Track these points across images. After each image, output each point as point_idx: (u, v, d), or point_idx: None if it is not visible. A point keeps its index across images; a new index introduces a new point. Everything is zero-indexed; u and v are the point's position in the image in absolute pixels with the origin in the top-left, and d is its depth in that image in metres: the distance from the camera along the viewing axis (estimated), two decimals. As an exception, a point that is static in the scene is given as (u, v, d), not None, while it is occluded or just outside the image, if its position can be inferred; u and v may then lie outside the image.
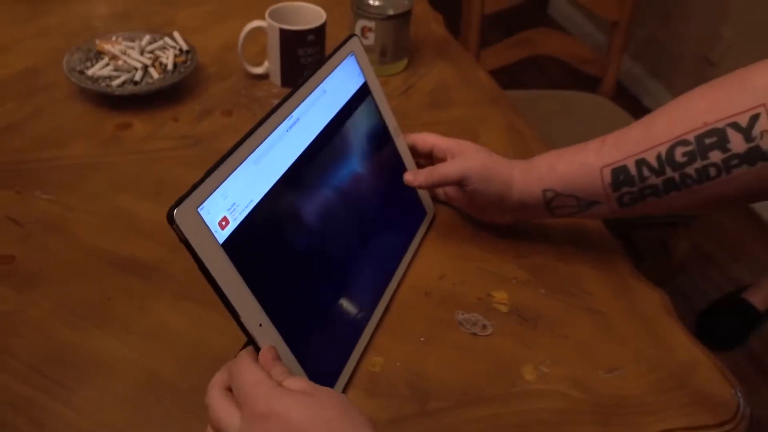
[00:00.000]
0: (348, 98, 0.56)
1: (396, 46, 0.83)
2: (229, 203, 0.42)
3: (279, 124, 0.47)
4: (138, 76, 0.74)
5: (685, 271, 1.66)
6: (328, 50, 0.84)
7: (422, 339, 0.53)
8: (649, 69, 2.30)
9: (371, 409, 0.47)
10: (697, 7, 2.07)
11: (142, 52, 0.77)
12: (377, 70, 0.83)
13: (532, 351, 0.53)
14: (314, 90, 0.52)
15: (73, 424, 0.45)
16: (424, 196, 0.64)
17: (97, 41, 0.78)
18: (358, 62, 0.58)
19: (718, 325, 1.46)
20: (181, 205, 0.38)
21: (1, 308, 0.52)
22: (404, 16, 0.81)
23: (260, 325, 0.42)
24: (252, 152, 0.44)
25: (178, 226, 0.38)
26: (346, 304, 0.51)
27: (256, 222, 0.44)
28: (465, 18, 1.33)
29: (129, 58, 0.75)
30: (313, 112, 0.51)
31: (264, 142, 0.45)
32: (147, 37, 0.79)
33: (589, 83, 1.44)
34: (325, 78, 0.53)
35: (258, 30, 0.78)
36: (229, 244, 0.41)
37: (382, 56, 0.83)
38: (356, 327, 0.52)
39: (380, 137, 0.61)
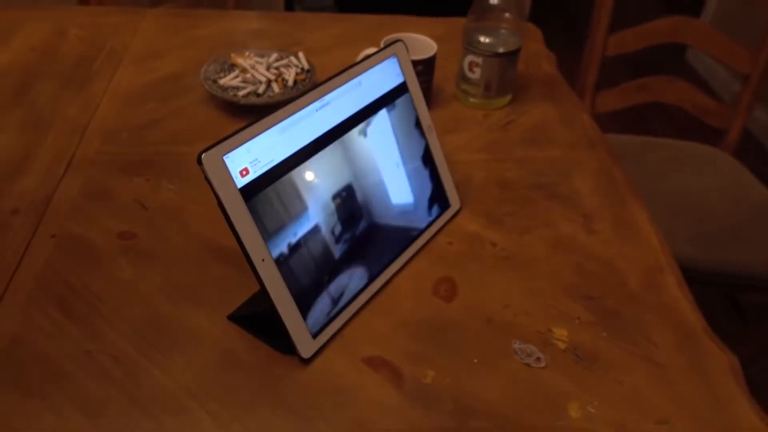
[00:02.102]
0: (383, 93, 0.63)
1: (501, 82, 0.87)
2: (251, 158, 0.50)
3: (310, 104, 0.55)
4: (261, 89, 0.82)
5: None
6: (437, 79, 0.90)
7: (475, 360, 0.56)
8: (789, 126, 2.16)
9: (415, 416, 0.51)
10: None
11: (268, 68, 0.86)
12: (481, 104, 0.88)
13: (582, 390, 0.54)
14: (350, 81, 0.59)
15: (160, 383, 0.52)
16: (450, 190, 0.70)
17: (232, 54, 0.88)
18: (399, 64, 0.65)
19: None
20: (209, 151, 0.47)
21: (119, 276, 0.61)
22: (511, 55, 0.85)
23: (263, 260, 0.51)
24: (280, 122, 0.52)
25: (204, 168, 0.46)
26: (345, 267, 0.58)
27: (272, 178, 0.52)
28: (585, 58, 1.34)
29: (256, 72, 0.84)
30: (345, 99, 0.59)
31: (293, 116, 0.53)
32: (275, 55, 0.88)
33: (716, 136, 1.39)
34: (362, 72, 0.60)
35: (374, 57, 0.85)
36: (246, 190, 0.50)
37: (486, 90, 0.87)
38: (351, 291, 0.58)
39: (411, 130, 0.66)
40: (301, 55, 0.89)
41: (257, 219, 0.51)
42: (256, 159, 0.51)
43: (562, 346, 0.58)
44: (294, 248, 0.54)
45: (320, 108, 0.57)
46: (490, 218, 0.71)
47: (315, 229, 0.56)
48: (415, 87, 0.67)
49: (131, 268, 0.62)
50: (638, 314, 0.61)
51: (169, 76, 0.92)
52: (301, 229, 0.55)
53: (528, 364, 0.56)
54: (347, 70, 0.59)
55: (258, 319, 0.57)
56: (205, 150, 0.47)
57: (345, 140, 0.59)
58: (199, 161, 0.47)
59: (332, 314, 0.57)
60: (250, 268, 0.51)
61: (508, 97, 0.90)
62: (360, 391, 0.53)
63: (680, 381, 0.55)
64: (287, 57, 0.88)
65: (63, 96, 0.86)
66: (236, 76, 0.84)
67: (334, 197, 0.58)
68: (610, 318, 0.61)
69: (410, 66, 0.66)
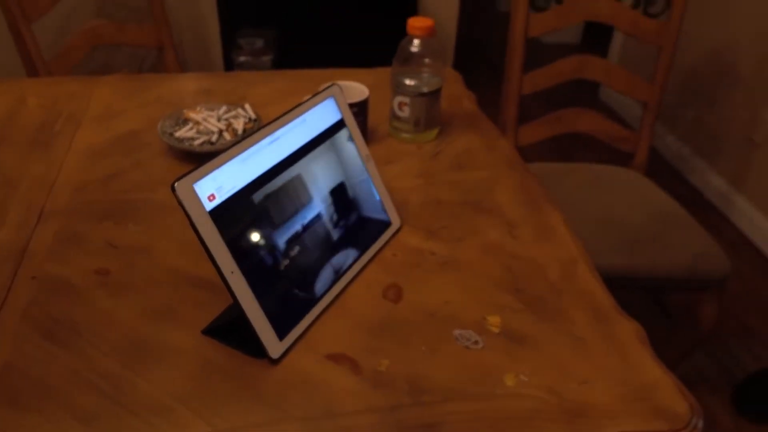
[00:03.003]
0: (324, 128, 0.73)
1: (427, 118, 0.98)
2: (217, 185, 0.59)
3: (262, 139, 0.65)
4: (214, 138, 0.91)
5: (725, 341, 1.69)
6: (374, 119, 1.01)
7: (423, 348, 0.64)
8: (695, 149, 2.38)
9: (375, 398, 0.59)
10: (740, 91, 2.15)
11: (219, 119, 0.95)
12: (412, 138, 0.99)
13: (515, 364, 0.63)
14: (295, 118, 0.69)
15: (145, 391, 0.59)
16: (390, 210, 0.80)
17: (185, 110, 0.97)
18: (336, 103, 0.76)
19: (755, 397, 1.47)
20: (181, 180, 0.56)
21: (99, 306, 0.67)
22: (434, 94, 0.97)
23: (232, 272, 0.59)
24: (239, 154, 0.62)
25: (177, 194, 0.55)
26: (299, 280, 0.67)
27: (235, 201, 0.61)
28: (503, 96, 1.48)
29: (208, 123, 0.93)
30: (293, 134, 0.69)
31: (250, 149, 0.63)
32: (224, 108, 0.98)
33: (628, 158, 1.54)
34: (305, 111, 0.71)
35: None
36: (214, 212, 0.59)
37: (416, 126, 0.98)
38: (309, 301, 0.67)
39: (351, 158, 0.77)
40: (247, 106, 0.99)
41: (225, 236, 0.59)
42: (221, 186, 0.60)
43: (495, 330, 0.67)
44: (257, 261, 0.62)
45: (272, 142, 0.66)
46: (427, 232, 0.81)
47: (273, 244, 0.64)
48: (351, 123, 0.77)
49: (109, 299, 0.69)
50: (559, 299, 0.71)
51: (127, 133, 1.00)
52: (261, 245, 0.63)
53: (467, 347, 0.65)
54: (292, 110, 0.69)
55: (230, 330, 0.64)
56: (178, 179, 0.56)
57: (297, 168, 0.68)
58: (173, 188, 0.55)
59: (295, 319, 0.65)
60: (222, 280, 0.59)
61: (436, 131, 1.02)
62: (325, 382, 0.60)
63: (596, 348, 0.65)
64: (235, 109, 0.98)
65: (28, 156, 0.92)
66: (190, 128, 0.93)
67: (292, 216, 0.66)
68: (536, 304, 0.70)
69: (346, 105, 0.76)
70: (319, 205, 0.70)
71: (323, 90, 0.74)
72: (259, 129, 0.65)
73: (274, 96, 1.12)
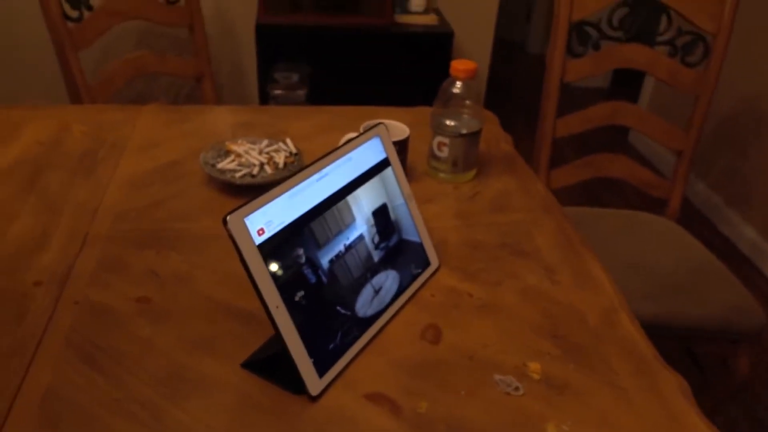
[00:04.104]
0: (369, 166, 0.74)
1: (466, 159, 0.99)
2: (266, 219, 0.60)
3: (311, 175, 0.66)
4: (255, 171, 0.92)
5: (758, 393, 1.64)
6: (410, 158, 1.02)
7: (463, 392, 0.64)
8: (725, 198, 2.35)
9: (415, 440, 0.58)
10: (773, 141, 2.14)
11: (260, 153, 0.96)
12: (450, 178, 1.00)
13: (556, 412, 0.62)
14: (342, 156, 0.70)
15: (183, 422, 0.58)
16: (429, 250, 0.79)
17: (227, 142, 0.99)
18: (382, 143, 0.76)
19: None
20: (232, 214, 0.57)
21: (139, 334, 0.68)
22: (474, 135, 0.97)
23: (277, 307, 0.59)
24: (289, 189, 0.63)
25: (228, 228, 0.56)
26: (341, 317, 0.66)
27: (284, 236, 0.62)
28: (538, 139, 1.49)
29: (250, 156, 0.95)
30: (340, 172, 0.70)
31: (298, 185, 0.64)
32: (265, 141, 0.99)
33: (660, 205, 1.53)
34: (352, 150, 0.72)
35: (354, 140, 0.97)
36: (263, 246, 0.59)
37: (454, 166, 0.99)
38: (347, 341, 0.66)
39: (394, 197, 0.77)
40: (288, 141, 1.00)
41: (271, 270, 0.59)
42: (270, 220, 0.60)
43: (536, 377, 0.66)
44: (301, 296, 0.62)
45: (320, 178, 0.67)
46: (465, 274, 0.80)
47: (320, 281, 0.64)
48: (396, 162, 0.78)
49: (149, 327, 0.69)
50: (599, 347, 0.70)
51: (169, 162, 1.01)
52: (309, 280, 0.63)
53: (508, 393, 0.64)
54: (339, 149, 0.70)
55: (269, 364, 0.64)
56: (230, 213, 0.56)
57: (344, 204, 0.69)
58: (225, 222, 0.56)
59: (335, 356, 0.65)
60: (266, 314, 0.59)
61: (474, 172, 1.02)
62: (364, 422, 0.60)
63: (639, 400, 0.64)
64: (276, 143, 0.99)
65: (72, 183, 0.94)
66: (232, 161, 0.94)
67: (338, 254, 0.67)
68: (576, 352, 0.69)
69: (391, 144, 0.77)
70: (360, 241, 0.71)
71: (370, 129, 0.75)
72: (308, 166, 0.66)
73: (313, 131, 1.13)
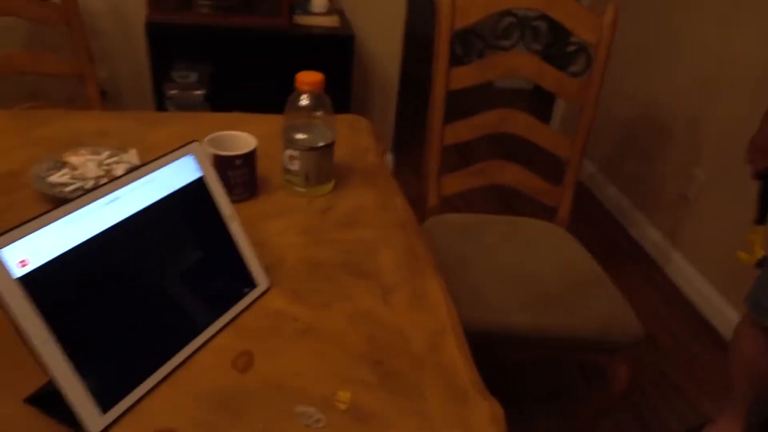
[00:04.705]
0: (179, 186, 0.70)
1: (319, 173, 0.96)
2: (31, 249, 0.55)
3: (98, 199, 0.61)
4: (89, 185, 0.87)
5: (651, 400, 1.68)
6: (268, 169, 0.98)
7: (260, 425, 0.60)
8: (634, 202, 2.40)
9: (194, 483, 0.55)
10: (675, 147, 2.19)
11: (99, 165, 0.91)
12: (305, 192, 0.97)
13: (354, 446, 0.60)
14: (141, 177, 0.65)
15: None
16: (256, 271, 0.76)
17: (66, 153, 0.93)
18: (197, 161, 0.72)
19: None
20: None
21: None
22: (325, 149, 0.94)
23: (44, 342, 0.55)
24: (64, 216, 0.58)
25: None
26: (137, 347, 0.63)
27: (56, 266, 0.57)
28: (425, 147, 1.47)
29: (86, 169, 0.89)
30: (137, 194, 0.65)
31: (78, 210, 0.59)
32: (107, 152, 0.94)
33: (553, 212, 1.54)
34: (155, 170, 0.67)
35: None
36: (26, 278, 0.54)
37: (306, 180, 0.96)
38: (143, 371, 0.63)
39: (211, 219, 0.73)
40: (132, 152, 0.95)
41: (39, 303, 0.55)
42: (36, 251, 0.55)
43: (343, 407, 0.63)
44: (81, 328, 0.58)
45: (110, 202, 0.62)
46: (296, 295, 0.77)
47: (106, 310, 0.60)
48: (213, 181, 0.74)
49: None
50: (417, 374, 0.68)
51: (5, 174, 0.95)
52: (88, 310, 0.59)
53: (308, 426, 0.61)
54: (140, 167, 0.66)
55: (55, 399, 0.59)
56: None
57: (141, 229, 0.65)
58: None
59: (126, 389, 0.60)
60: (29, 349, 0.54)
61: (330, 185, 0.99)
62: (143, 463, 0.56)
63: (444, 430, 0.62)
64: (119, 154, 0.94)
65: None
66: (64, 174, 0.89)
67: (128, 278, 0.63)
68: (392, 379, 0.67)
69: (207, 163, 0.73)
70: (163, 266, 0.67)
71: (180, 147, 0.71)
72: (93, 189, 0.61)
73: (170, 140, 1.08)
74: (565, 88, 1.43)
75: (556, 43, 1.44)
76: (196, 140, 0.73)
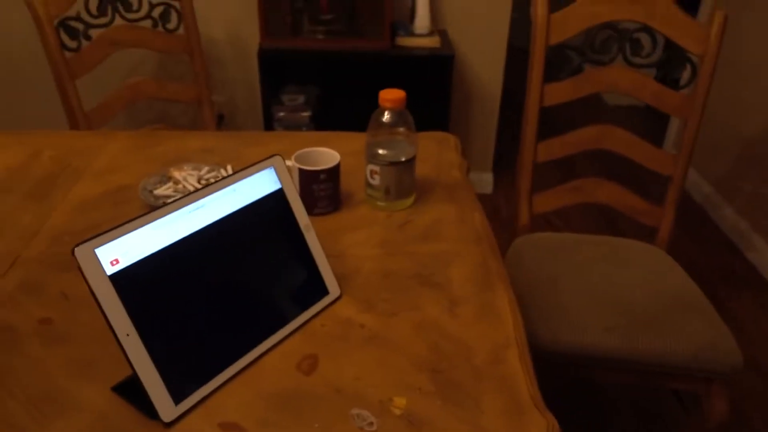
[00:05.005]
0: (259, 197, 0.75)
1: (399, 187, 0.99)
2: (122, 250, 0.62)
3: (184, 206, 0.67)
4: (188, 197, 0.96)
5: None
6: (351, 185, 1.03)
7: (316, 425, 0.64)
8: (752, 224, 2.23)
9: (251, 472, 0.59)
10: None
11: (199, 180, 1.00)
12: (386, 206, 1.00)
13: (405, 450, 0.61)
14: (224, 188, 0.71)
15: (38, 443, 0.61)
16: (329, 279, 0.80)
17: (171, 168, 1.03)
18: (277, 173, 0.77)
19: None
20: (81, 246, 0.60)
21: (31, 354, 0.72)
22: (406, 164, 0.97)
23: (127, 335, 0.61)
24: (152, 221, 0.65)
25: (76, 258, 0.59)
26: (211, 345, 0.68)
27: (144, 266, 0.64)
28: (518, 165, 1.46)
29: (187, 183, 0.98)
30: (219, 203, 0.71)
31: (165, 216, 0.66)
32: (206, 168, 1.03)
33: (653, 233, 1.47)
34: (237, 181, 0.73)
35: (291, 168, 0.99)
36: (116, 276, 0.61)
37: (386, 194, 0.99)
38: (215, 368, 0.68)
39: (289, 229, 0.78)
40: (229, 167, 1.03)
41: (126, 300, 0.62)
42: (126, 251, 0.63)
43: (397, 412, 0.65)
44: (162, 324, 0.64)
45: (194, 210, 0.69)
46: (365, 304, 0.81)
47: (186, 309, 0.66)
48: (292, 193, 0.79)
49: (42, 348, 0.73)
50: (476, 385, 0.69)
51: (121, 187, 1.06)
52: (170, 309, 0.65)
53: (362, 428, 0.64)
54: (222, 180, 0.72)
55: (137, 389, 0.66)
56: (79, 244, 0.59)
57: (223, 236, 0.71)
58: (72, 253, 0.59)
59: (198, 384, 0.66)
60: (116, 341, 0.61)
61: (411, 199, 1.02)
62: (208, 450, 0.61)
63: (497, 443, 0.62)
64: (217, 170, 1.03)
65: (23, 206, 1.00)
66: (169, 187, 0.98)
67: (208, 280, 0.69)
68: (450, 388, 0.68)
69: (287, 175, 0.79)
70: (241, 270, 0.72)
71: (262, 161, 0.77)
72: (180, 198, 0.68)
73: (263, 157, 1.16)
74: (667, 101, 1.37)
75: (657, 55, 1.39)
76: (278, 154, 0.78)
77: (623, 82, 1.39)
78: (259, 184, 0.76)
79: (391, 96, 0.94)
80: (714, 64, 1.32)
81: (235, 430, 0.63)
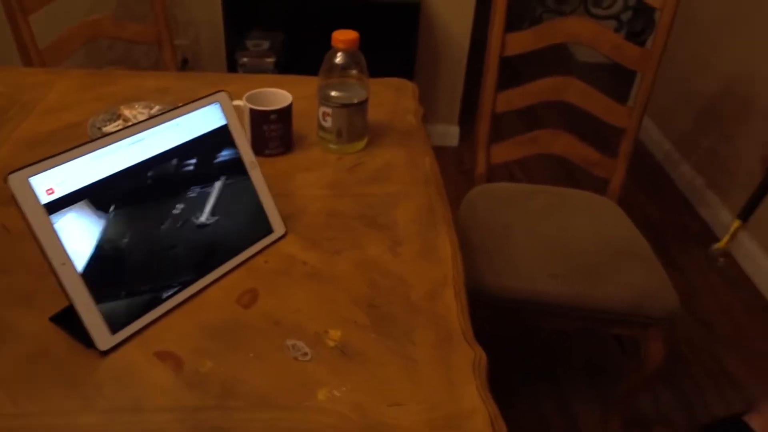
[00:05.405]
0: (202, 132, 0.75)
1: (351, 130, 0.99)
2: (58, 179, 0.62)
3: (123, 139, 0.67)
4: (136, 135, 0.95)
5: (699, 382, 1.62)
6: (305, 127, 1.03)
7: (251, 354, 0.66)
8: (707, 181, 2.28)
9: (185, 397, 0.61)
10: (756, 126, 2.05)
11: (149, 118, 0.99)
12: (337, 149, 1.00)
13: (335, 378, 0.64)
14: (166, 122, 0.71)
15: (-25, 368, 0.62)
16: (274, 217, 0.81)
17: (121, 107, 1.01)
18: (222, 109, 0.77)
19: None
20: (15, 173, 0.60)
21: (-32, 285, 0.72)
22: (358, 106, 0.98)
23: (63, 264, 0.62)
24: (91, 152, 0.65)
25: (9, 185, 0.59)
26: (150, 279, 0.69)
27: (82, 196, 0.64)
28: (477, 114, 1.47)
29: (136, 121, 0.97)
30: (161, 137, 0.71)
31: (104, 147, 0.66)
32: (158, 107, 1.02)
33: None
34: (180, 115, 0.73)
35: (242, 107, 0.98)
36: (51, 205, 0.61)
37: (338, 136, 0.99)
38: (153, 301, 0.69)
39: (233, 166, 0.78)
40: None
41: (64, 229, 0.62)
42: (64, 181, 0.63)
43: (331, 344, 0.68)
44: (102, 254, 0.65)
45: (135, 142, 0.69)
46: (309, 242, 0.82)
47: (124, 242, 0.67)
48: (237, 129, 0.79)
49: (-18, 279, 0.73)
50: (410, 319, 0.71)
51: (70, 125, 1.05)
52: (109, 239, 0.66)
53: (296, 358, 0.66)
54: (164, 113, 0.72)
55: (75, 319, 0.67)
56: (13, 172, 0.59)
57: (161, 169, 0.71)
58: (5, 180, 0.59)
59: (135, 315, 0.67)
60: (51, 270, 0.62)
61: (363, 143, 1.03)
62: (142, 376, 0.63)
63: (425, 372, 0.65)
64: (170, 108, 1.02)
65: (-31, 141, 0.99)
66: (118, 125, 0.97)
67: (147, 214, 0.69)
68: (384, 322, 0.71)
69: (232, 112, 0.79)
70: (182, 206, 0.73)
71: (206, 96, 0.77)
72: (121, 130, 0.68)
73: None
74: (625, 54, 1.38)
75: (617, 8, 1.39)
76: (223, 90, 0.78)
77: (584, 32, 1.39)
78: (204, 120, 0.76)
79: (343, 36, 0.94)
80: (672, 17, 1.33)
81: (171, 359, 0.65)
